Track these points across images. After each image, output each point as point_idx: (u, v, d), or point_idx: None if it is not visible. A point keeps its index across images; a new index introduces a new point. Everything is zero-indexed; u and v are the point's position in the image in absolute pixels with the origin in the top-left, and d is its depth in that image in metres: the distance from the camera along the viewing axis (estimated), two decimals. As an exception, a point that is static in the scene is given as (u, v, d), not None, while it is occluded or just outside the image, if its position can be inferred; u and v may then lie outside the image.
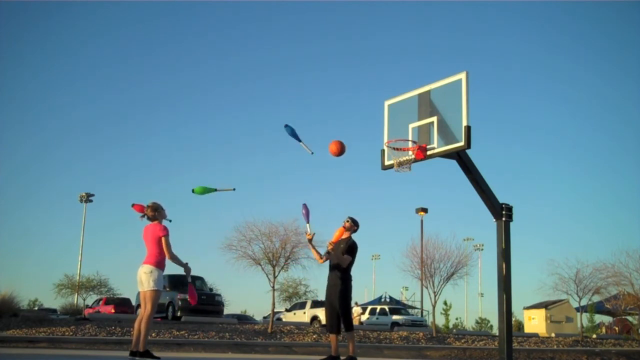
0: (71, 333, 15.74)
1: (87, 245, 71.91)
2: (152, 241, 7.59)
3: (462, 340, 21.96)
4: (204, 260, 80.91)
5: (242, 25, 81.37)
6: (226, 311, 29.69)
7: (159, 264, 7.53)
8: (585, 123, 78.22)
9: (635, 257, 24.66)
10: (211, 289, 28.69)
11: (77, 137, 79.01)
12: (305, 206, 8.27)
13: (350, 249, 8.10)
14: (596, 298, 27.68)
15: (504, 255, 9.09)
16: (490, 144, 63.16)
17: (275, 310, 23.44)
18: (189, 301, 8.25)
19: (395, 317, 32.80)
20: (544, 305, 36.23)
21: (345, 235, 8.27)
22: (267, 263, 20.01)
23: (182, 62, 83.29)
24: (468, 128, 8.71)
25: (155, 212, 7.67)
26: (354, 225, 8.27)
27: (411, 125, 9.45)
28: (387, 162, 9.74)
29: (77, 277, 40.24)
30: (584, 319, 29.93)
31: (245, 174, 78.99)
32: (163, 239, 7.53)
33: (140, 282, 7.51)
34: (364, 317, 33.57)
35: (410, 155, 9.24)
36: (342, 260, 8.03)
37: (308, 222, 8.23)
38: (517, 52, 78.21)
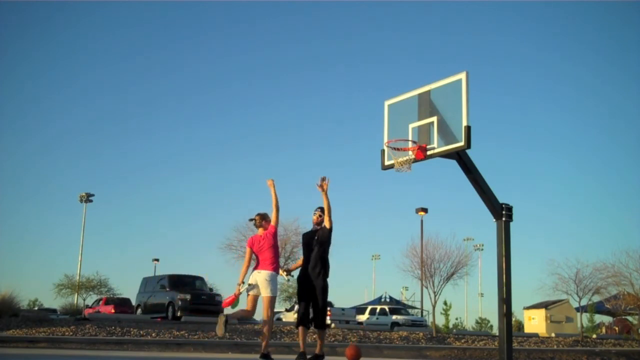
0: (71, 333, 15.72)
1: (87, 245, 72.11)
2: (267, 245, 7.89)
3: (462, 340, 21.95)
4: (204, 260, 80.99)
5: (241, 25, 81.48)
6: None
7: (277, 269, 7.90)
8: (585, 123, 78.35)
9: (635, 257, 24.75)
10: (211, 289, 28.70)
11: (77, 137, 79.22)
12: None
13: (329, 239, 8.09)
14: (596, 298, 27.74)
15: (504, 255, 9.09)
16: (491, 144, 63.23)
17: (275, 310, 23.44)
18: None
19: (395, 317, 32.80)
20: (544, 305, 36.25)
21: (317, 227, 8.18)
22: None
23: (181, 62, 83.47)
24: (468, 128, 8.69)
25: (263, 221, 8.02)
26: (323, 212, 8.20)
27: (411, 125, 9.44)
28: (387, 162, 9.73)
29: (77, 277, 40.25)
30: (584, 319, 29.96)
31: (245, 173, 79.13)
32: (275, 217, 7.93)
33: (255, 284, 7.82)
34: (364, 318, 33.54)
35: (410, 155, 9.23)
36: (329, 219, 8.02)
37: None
38: (516, 52, 78.38)
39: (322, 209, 8.19)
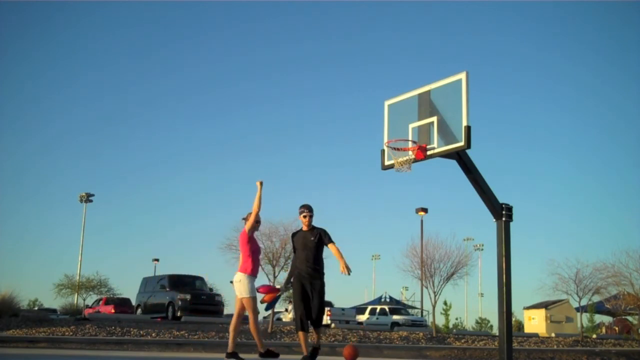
0: (71, 333, 15.73)
1: (87, 245, 72.11)
2: (243, 245, 7.93)
3: (462, 340, 21.95)
4: (204, 260, 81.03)
5: (241, 25, 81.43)
6: (226, 311, 29.69)
7: (247, 270, 7.83)
8: (585, 123, 78.31)
9: (635, 257, 24.70)
10: (211, 289, 28.70)
11: (77, 137, 79.19)
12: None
13: (328, 236, 8.01)
14: (596, 298, 27.69)
15: (504, 255, 9.09)
16: (491, 144, 63.20)
17: (275, 310, 23.44)
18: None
19: (395, 317, 32.77)
20: (544, 305, 36.21)
21: (306, 228, 8.09)
22: (268, 263, 20.05)
23: (181, 62, 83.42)
24: (468, 128, 8.70)
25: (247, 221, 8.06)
26: (312, 212, 8.10)
27: (411, 125, 9.45)
28: (387, 162, 9.73)
29: (77, 277, 40.19)
30: (584, 319, 29.94)
31: (244, 173, 79.09)
32: (249, 221, 7.85)
33: (235, 288, 7.89)
34: (364, 318, 33.53)
35: (410, 155, 9.24)
36: (338, 251, 7.92)
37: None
38: (516, 52, 78.30)
39: (308, 208, 8.09)
